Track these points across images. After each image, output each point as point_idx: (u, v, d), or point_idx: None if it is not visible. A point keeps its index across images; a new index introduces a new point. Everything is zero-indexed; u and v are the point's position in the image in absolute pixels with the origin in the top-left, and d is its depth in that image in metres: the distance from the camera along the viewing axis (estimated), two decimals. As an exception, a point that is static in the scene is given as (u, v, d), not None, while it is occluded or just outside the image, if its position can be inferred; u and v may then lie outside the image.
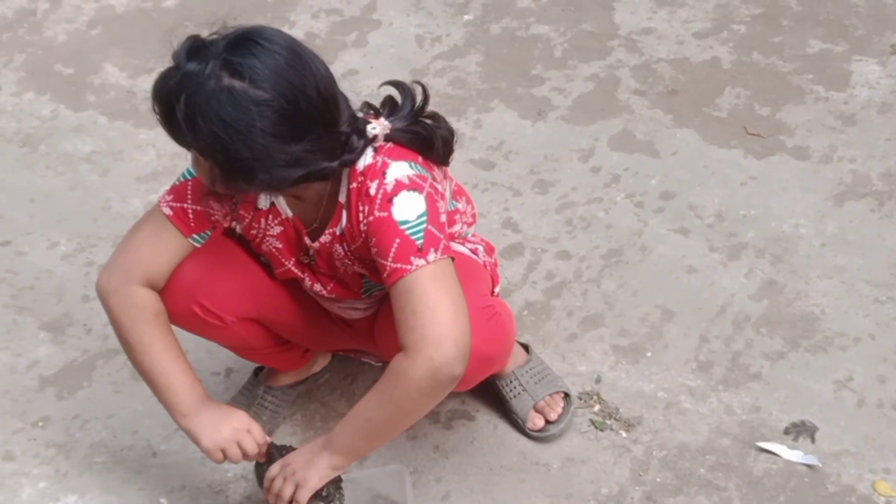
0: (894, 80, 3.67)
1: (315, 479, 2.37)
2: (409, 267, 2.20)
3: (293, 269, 2.51)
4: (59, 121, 3.91)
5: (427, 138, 2.33)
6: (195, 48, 2.13)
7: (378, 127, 2.28)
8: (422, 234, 2.22)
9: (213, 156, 2.15)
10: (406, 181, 2.25)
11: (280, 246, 2.47)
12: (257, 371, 2.93)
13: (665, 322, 3.04)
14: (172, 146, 3.56)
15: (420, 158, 2.32)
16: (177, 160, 3.70)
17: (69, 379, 3.08)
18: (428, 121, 2.36)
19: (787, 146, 3.50)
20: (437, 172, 2.37)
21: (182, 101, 2.11)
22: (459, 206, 2.57)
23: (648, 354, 2.97)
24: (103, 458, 2.89)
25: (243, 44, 2.10)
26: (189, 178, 2.39)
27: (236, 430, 2.43)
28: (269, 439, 2.47)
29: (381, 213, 2.24)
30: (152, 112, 2.21)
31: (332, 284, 2.53)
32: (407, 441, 2.83)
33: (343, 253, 2.41)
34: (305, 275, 2.53)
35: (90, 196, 3.63)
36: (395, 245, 2.21)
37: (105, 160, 3.75)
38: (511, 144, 3.63)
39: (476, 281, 2.53)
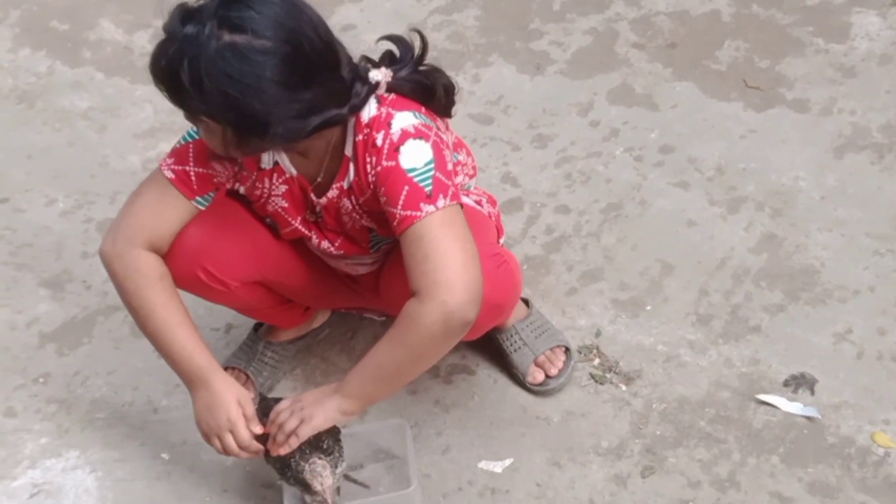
0: (894, 32, 3.66)
1: (321, 417, 2.36)
2: (418, 213, 2.20)
3: (300, 227, 2.50)
4: (56, 77, 3.90)
5: (429, 87, 2.33)
6: (188, 13, 2.12)
7: (380, 74, 2.28)
8: (430, 181, 2.22)
9: (226, 116, 2.14)
10: (412, 130, 2.25)
11: (286, 205, 2.46)
12: (257, 327, 2.93)
13: (665, 276, 3.04)
14: (170, 102, 3.54)
15: (423, 109, 2.32)
16: (174, 115, 3.65)
17: (69, 335, 3.08)
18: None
19: (786, 99, 3.49)
20: (440, 122, 2.37)
21: (186, 67, 2.10)
22: (461, 158, 2.56)
23: (648, 308, 2.97)
24: (104, 413, 2.90)
25: None
26: (190, 140, 2.38)
27: (228, 421, 2.40)
28: (258, 426, 2.44)
29: (389, 163, 2.24)
30: (157, 89, 2.20)
31: (339, 240, 2.52)
32: (407, 395, 2.84)
33: (351, 207, 2.41)
34: (312, 232, 2.51)
35: (88, 152, 3.62)
36: (405, 193, 2.21)
37: (102, 116, 3.74)
38: (509, 99, 3.62)
39: (483, 230, 2.52)
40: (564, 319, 2.96)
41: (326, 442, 2.44)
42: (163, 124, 3.66)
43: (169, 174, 2.38)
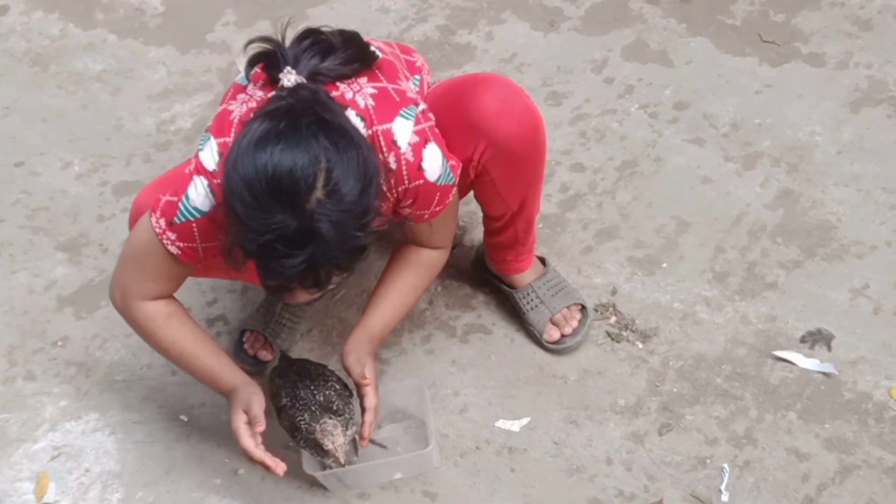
0: (911, -16, 3.63)
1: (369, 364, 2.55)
2: (447, 202, 2.42)
3: None
4: (69, 40, 3.89)
5: (333, 45, 2.29)
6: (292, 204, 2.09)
7: (291, 76, 2.23)
8: (451, 175, 2.39)
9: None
10: (416, 139, 2.31)
11: None
12: None
13: (680, 233, 3.03)
14: (183, 63, 3.55)
15: (386, 86, 2.32)
16: (188, 77, 3.69)
17: (87, 298, 3.10)
18: (319, 37, 2.30)
19: (802, 53, 3.46)
20: (403, 84, 2.38)
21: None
22: (413, 82, 2.55)
23: (664, 265, 2.97)
24: (123, 376, 2.92)
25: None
26: (192, 218, 2.29)
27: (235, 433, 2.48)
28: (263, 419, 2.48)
29: (417, 182, 2.34)
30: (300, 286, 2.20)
31: None
32: (424, 355, 2.85)
33: None
34: None
35: (102, 115, 3.62)
36: (437, 198, 2.40)
37: (116, 79, 3.73)
38: (523, 56, 3.60)
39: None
40: (580, 278, 2.96)
41: (336, 404, 2.46)
42: (176, 86, 3.66)
43: (175, 251, 2.34)
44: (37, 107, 3.67)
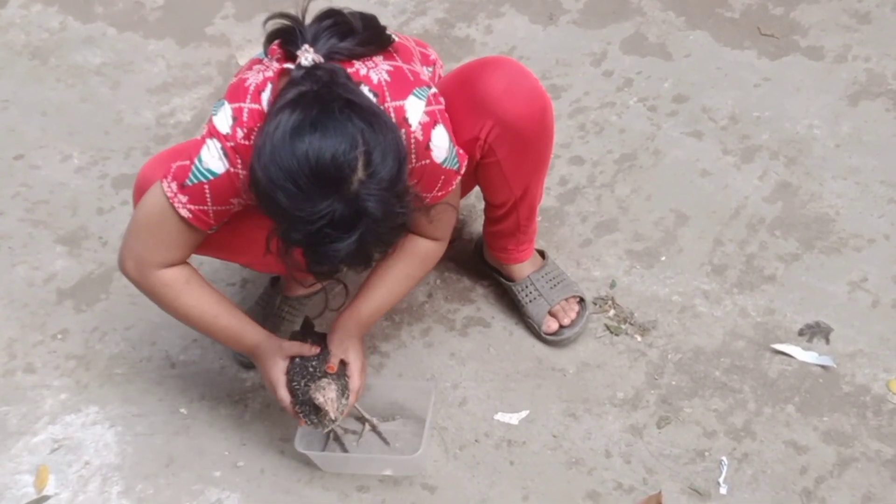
0: (910, -23, 3.63)
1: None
2: (450, 188, 2.43)
3: None
4: (68, 33, 3.89)
5: (353, 27, 2.31)
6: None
7: (308, 55, 2.23)
8: (456, 160, 2.40)
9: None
10: (426, 119, 2.32)
11: None
12: (273, 282, 2.94)
13: (679, 226, 3.04)
14: (182, 56, 3.55)
15: (401, 66, 2.33)
16: (186, 71, 3.69)
17: (86, 291, 3.10)
18: (339, 19, 2.31)
19: (800, 46, 3.47)
20: (417, 67, 2.40)
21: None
22: (427, 71, 2.56)
23: (663, 258, 2.97)
24: (123, 369, 2.92)
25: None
26: (204, 180, 2.30)
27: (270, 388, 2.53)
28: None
29: (424, 161, 2.34)
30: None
31: None
32: (423, 349, 2.85)
33: None
34: None
35: (101, 108, 3.62)
36: (441, 181, 2.39)
37: (115, 72, 3.74)
38: (522, 49, 3.61)
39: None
40: (579, 271, 2.96)
41: (330, 377, 2.47)
42: (175, 79, 3.66)
43: (185, 213, 2.34)
44: (36, 100, 3.67)
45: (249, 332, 2.53)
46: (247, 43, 3.75)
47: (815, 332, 2.78)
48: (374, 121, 2.12)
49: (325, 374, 2.46)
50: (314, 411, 2.46)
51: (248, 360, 2.82)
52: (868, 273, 2.88)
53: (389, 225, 2.15)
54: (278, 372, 2.49)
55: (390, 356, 2.86)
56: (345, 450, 2.66)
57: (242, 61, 3.62)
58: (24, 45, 3.87)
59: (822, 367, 2.71)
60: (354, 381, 2.52)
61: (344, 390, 2.48)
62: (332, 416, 2.44)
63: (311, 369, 2.47)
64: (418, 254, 2.58)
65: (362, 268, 2.24)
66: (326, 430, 2.52)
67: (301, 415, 2.48)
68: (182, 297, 2.47)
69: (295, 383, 2.47)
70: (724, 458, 2.59)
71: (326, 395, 2.43)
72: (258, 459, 2.70)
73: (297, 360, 2.49)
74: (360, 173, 2.07)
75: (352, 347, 2.53)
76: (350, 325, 2.56)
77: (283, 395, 2.48)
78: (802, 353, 2.74)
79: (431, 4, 3.80)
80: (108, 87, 3.69)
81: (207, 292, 2.50)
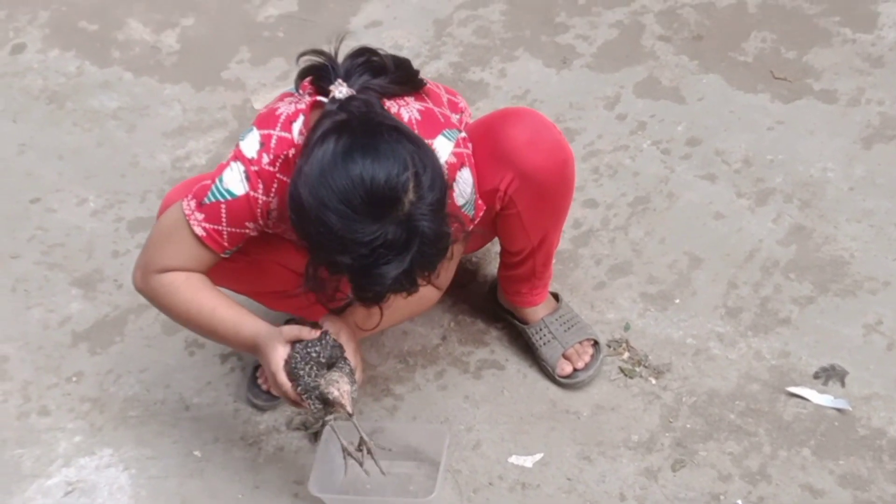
0: (922, 21, 3.64)
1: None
2: (459, 235, 2.33)
3: None
4: (85, 77, 3.92)
5: (386, 66, 2.34)
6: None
7: (342, 89, 2.27)
8: (473, 209, 2.43)
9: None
10: (454, 159, 2.35)
11: None
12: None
13: (693, 268, 3.04)
14: (198, 101, 3.57)
15: (433, 109, 2.36)
16: (203, 114, 3.71)
17: (101, 334, 3.11)
18: (372, 57, 2.36)
19: (814, 89, 3.48)
20: (447, 111, 2.43)
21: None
22: (454, 117, 2.57)
23: (677, 301, 2.97)
24: (137, 411, 2.92)
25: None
26: (222, 200, 2.34)
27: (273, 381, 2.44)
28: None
29: None
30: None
31: None
32: (437, 391, 2.85)
33: None
34: None
35: (118, 152, 3.64)
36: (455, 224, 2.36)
37: (131, 116, 3.76)
38: (536, 93, 3.62)
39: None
40: (593, 313, 2.96)
41: (340, 362, 2.41)
42: (192, 123, 3.68)
43: (200, 231, 2.37)
44: (53, 144, 3.69)
45: (248, 323, 2.45)
46: (262, 87, 3.78)
47: (830, 375, 2.77)
48: (420, 144, 2.16)
49: (331, 364, 2.40)
50: (324, 405, 2.39)
51: (261, 403, 2.82)
52: (883, 316, 2.87)
53: (439, 246, 2.18)
54: (278, 358, 2.39)
55: (404, 399, 2.85)
56: (360, 463, 2.55)
57: (258, 105, 3.65)
58: (41, 89, 3.89)
59: (838, 410, 2.70)
60: (353, 361, 2.44)
61: (351, 378, 2.41)
62: (350, 409, 2.37)
63: (314, 355, 2.39)
64: (424, 298, 2.49)
65: (406, 294, 2.24)
66: (332, 419, 2.46)
67: (307, 400, 2.39)
68: (179, 294, 2.44)
69: (300, 370, 2.38)
70: (739, 502, 2.58)
71: (341, 388, 2.36)
72: (272, 502, 2.69)
73: (298, 346, 2.40)
74: (411, 195, 2.11)
75: (344, 328, 2.47)
76: (343, 322, 2.49)
77: (283, 380, 2.38)
78: (818, 397, 2.73)
79: (445, 49, 3.82)
80: (124, 130, 3.71)
81: (206, 288, 2.46)
